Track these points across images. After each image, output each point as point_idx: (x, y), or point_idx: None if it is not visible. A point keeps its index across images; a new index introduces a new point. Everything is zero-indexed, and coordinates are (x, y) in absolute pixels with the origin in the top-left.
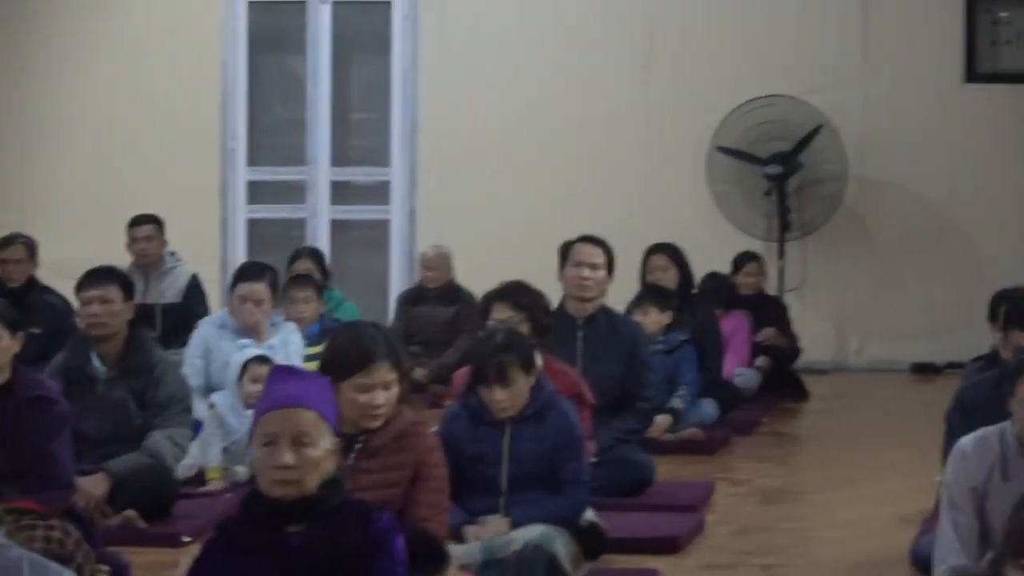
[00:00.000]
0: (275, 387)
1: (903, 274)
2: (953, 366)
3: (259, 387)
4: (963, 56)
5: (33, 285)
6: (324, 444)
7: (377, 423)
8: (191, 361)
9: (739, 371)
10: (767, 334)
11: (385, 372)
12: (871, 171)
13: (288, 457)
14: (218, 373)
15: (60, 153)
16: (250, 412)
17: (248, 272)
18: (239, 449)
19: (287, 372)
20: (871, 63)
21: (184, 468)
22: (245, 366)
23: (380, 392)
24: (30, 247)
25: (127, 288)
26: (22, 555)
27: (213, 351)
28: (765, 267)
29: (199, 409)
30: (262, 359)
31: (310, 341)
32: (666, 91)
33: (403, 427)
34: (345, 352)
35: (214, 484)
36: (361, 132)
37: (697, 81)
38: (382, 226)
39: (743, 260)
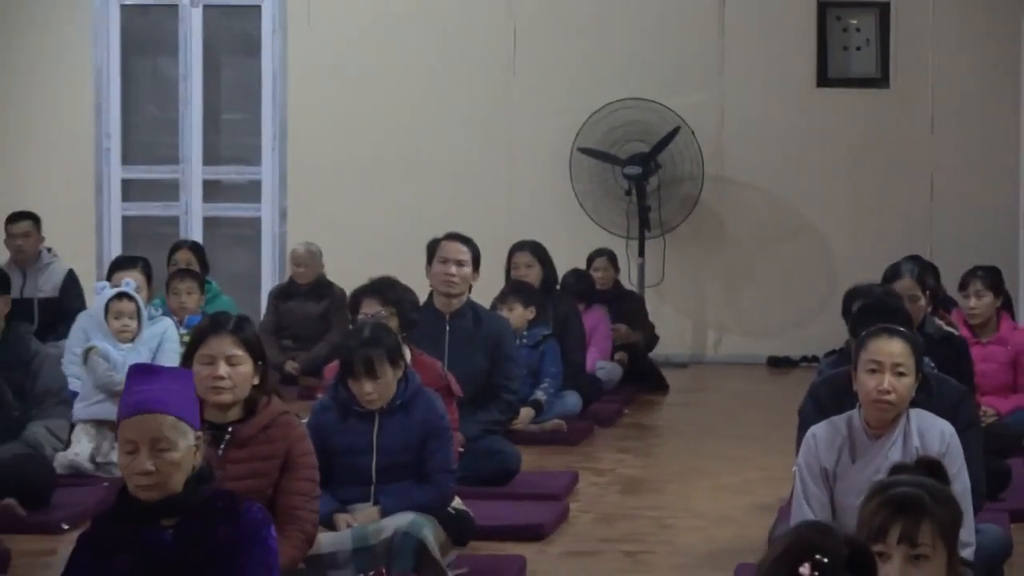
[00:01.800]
0: (133, 390)
1: (758, 271)
2: (808, 360)
3: (123, 321)
4: (815, 61)
5: None
6: (184, 444)
7: (221, 398)
8: (71, 352)
9: (601, 364)
10: (618, 332)
11: (227, 345)
12: (727, 172)
13: (148, 464)
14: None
15: None
16: (126, 346)
17: (121, 263)
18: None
19: (144, 373)
20: (727, 68)
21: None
22: (108, 305)
23: (222, 365)
24: None
25: (3, 284)
26: None
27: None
28: (616, 262)
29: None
30: (123, 295)
31: (190, 331)
32: (529, 93)
33: (272, 417)
34: (196, 328)
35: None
36: (232, 132)
37: (559, 84)
38: (253, 223)
39: (594, 256)
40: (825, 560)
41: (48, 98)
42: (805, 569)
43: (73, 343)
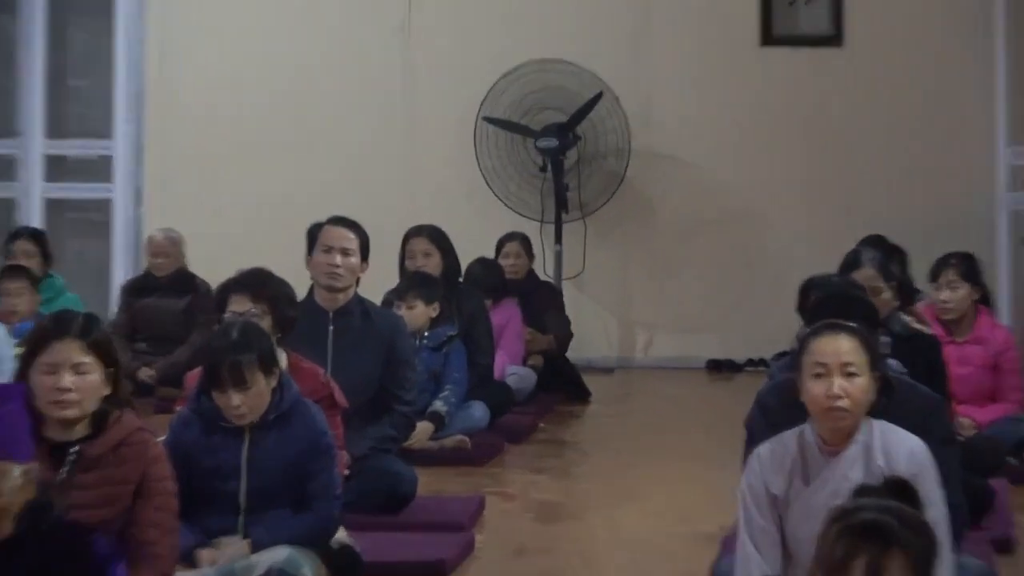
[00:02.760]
0: None
1: (694, 260)
2: (755, 363)
3: None
4: (758, 16)
5: None
6: (8, 487)
7: (66, 413)
8: None
9: (512, 369)
10: (530, 343)
11: (74, 351)
12: (656, 145)
13: None
14: None
15: None
16: None
17: None
18: None
19: None
20: (656, 24)
21: None
22: None
23: (67, 375)
24: None
25: None
26: None
27: None
28: (530, 247)
29: None
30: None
31: (22, 340)
32: (428, 57)
33: (124, 434)
34: (35, 331)
35: None
36: (80, 101)
37: (462, 46)
38: (104, 206)
39: (503, 241)
40: None
41: None
42: None
43: None
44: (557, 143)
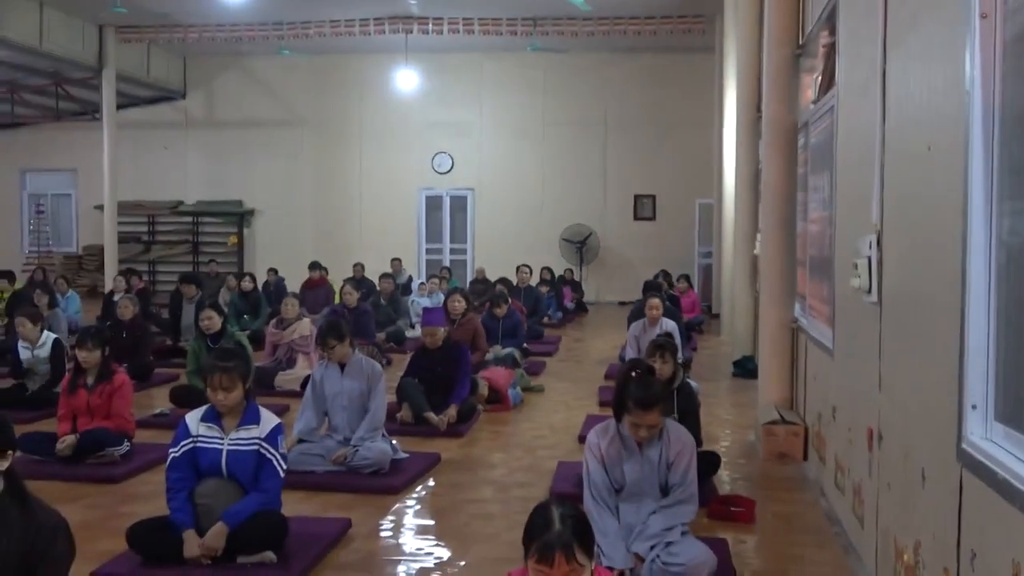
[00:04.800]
0: (425, 317)
1: (619, 274)
2: (631, 302)
3: (424, 290)
4: (632, 209)
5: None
6: (442, 332)
7: (457, 314)
8: (409, 302)
9: (568, 304)
10: (573, 296)
11: (458, 296)
12: (608, 244)
13: (430, 342)
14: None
15: (372, 229)
16: (423, 298)
17: (431, 276)
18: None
19: (428, 311)
20: (607, 209)
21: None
22: (419, 286)
23: (456, 303)
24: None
25: (392, 279)
26: (362, 357)
27: (414, 299)
28: (574, 273)
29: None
30: (422, 284)
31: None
32: (547, 214)
33: (469, 318)
34: (448, 294)
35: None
36: (457, 232)
37: (557, 212)
38: (464, 262)
39: (564, 271)
40: (640, 370)
41: (406, 222)
42: (634, 374)
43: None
44: (581, 246)
